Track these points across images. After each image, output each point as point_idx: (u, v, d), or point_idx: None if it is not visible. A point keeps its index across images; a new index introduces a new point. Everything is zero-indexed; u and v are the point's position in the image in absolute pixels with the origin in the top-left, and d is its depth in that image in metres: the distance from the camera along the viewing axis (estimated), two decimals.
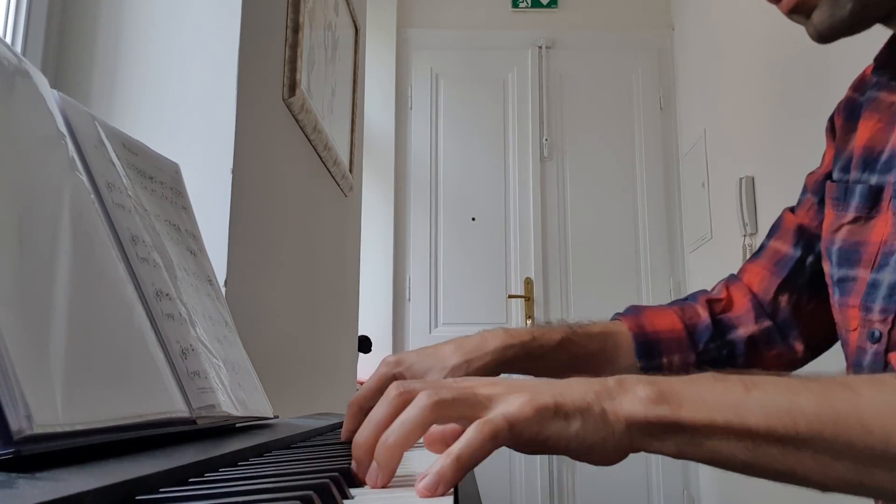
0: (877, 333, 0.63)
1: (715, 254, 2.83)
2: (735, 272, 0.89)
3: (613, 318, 0.85)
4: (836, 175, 0.72)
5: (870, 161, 0.67)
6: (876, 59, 0.66)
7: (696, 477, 3.07)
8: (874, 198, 0.65)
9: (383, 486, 0.43)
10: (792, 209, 0.84)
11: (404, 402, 0.44)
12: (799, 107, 2.06)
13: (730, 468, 0.45)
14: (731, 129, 2.67)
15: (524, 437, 0.43)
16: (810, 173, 0.83)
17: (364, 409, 0.64)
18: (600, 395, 0.45)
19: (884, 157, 0.66)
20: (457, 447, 0.41)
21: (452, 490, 0.43)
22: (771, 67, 2.24)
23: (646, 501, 3.06)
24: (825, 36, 0.62)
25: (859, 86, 0.74)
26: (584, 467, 3.08)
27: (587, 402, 0.44)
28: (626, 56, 3.45)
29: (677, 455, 0.45)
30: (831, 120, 0.77)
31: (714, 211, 2.83)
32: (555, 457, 3.06)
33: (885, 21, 0.63)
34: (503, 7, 3.49)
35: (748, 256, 2.39)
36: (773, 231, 0.85)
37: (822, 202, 0.77)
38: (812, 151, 1.86)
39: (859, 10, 0.59)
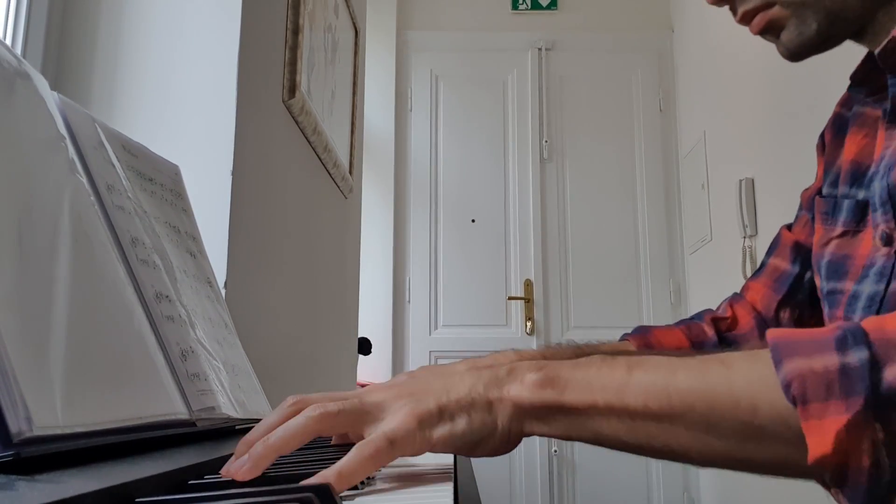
0: None
1: (715, 255, 2.83)
2: (736, 289, 0.90)
3: (622, 339, 0.86)
4: (825, 190, 0.73)
5: (857, 176, 0.68)
6: (852, 77, 0.67)
7: (696, 478, 3.06)
8: (861, 212, 0.66)
9: (242, 479, 0.43)
10: (789, 226, 0.85)
11: (295, 411, 0.48)
12: (799, 108, 2.06)
13: (614, 447, 0.47)
14: (730, 131, 2.67)
15: (409, 448, 0.45)
16: (805, 190, 0.84)
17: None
18: (488, 385, 0.47)
19: (870, 171, 0.67)
20: (340, 464, 0.43)
21: (453, 491, 0.43)
22: (770, 69, 2.24)
23: (646, 503, 3.06)
24: (795, 54, 0.64)
25: (846, 101, 0.75)
26: (584, 468, 3.08)
27: (472, 398, 0.46)
28: (626, 58, 3.45)
29: (565, 437, 0.47)
30: (821, 137, 0.78)
31: (714, 213, 2.83)
32: (555, 458, 3.07)
33: (856, 38, 0.65)
34: (503, 9, 3.50)
35: (748, 258, 2.40)
36: (772, 248, 0.86)
37: (815, 218, 0.78)
38: (812, 154, 1.86)
39: (825, 28, 0.61)
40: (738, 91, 2.55)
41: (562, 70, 3.44)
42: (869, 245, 0.64)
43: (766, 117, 2.35)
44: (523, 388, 0.46)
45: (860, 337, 0.39)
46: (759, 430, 0.41)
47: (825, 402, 0.38)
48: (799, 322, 0.81)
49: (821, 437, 0.38)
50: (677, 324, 0.87)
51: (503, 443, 0.47)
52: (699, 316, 0.88)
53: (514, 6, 3.48)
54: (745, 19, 0.66)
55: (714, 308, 0.89)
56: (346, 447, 0.49)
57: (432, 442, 0.46)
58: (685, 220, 3.26)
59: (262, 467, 0.44)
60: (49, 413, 0.39)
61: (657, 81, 3.42)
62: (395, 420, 0.46)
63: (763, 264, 0.86)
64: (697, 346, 0.83)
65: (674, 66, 3.42)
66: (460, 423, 0.46)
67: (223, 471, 0.44)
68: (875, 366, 0.38)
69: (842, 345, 0.39)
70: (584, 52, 3.46)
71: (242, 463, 0.44)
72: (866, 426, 0.38)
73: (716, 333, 0.83)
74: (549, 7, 3.49)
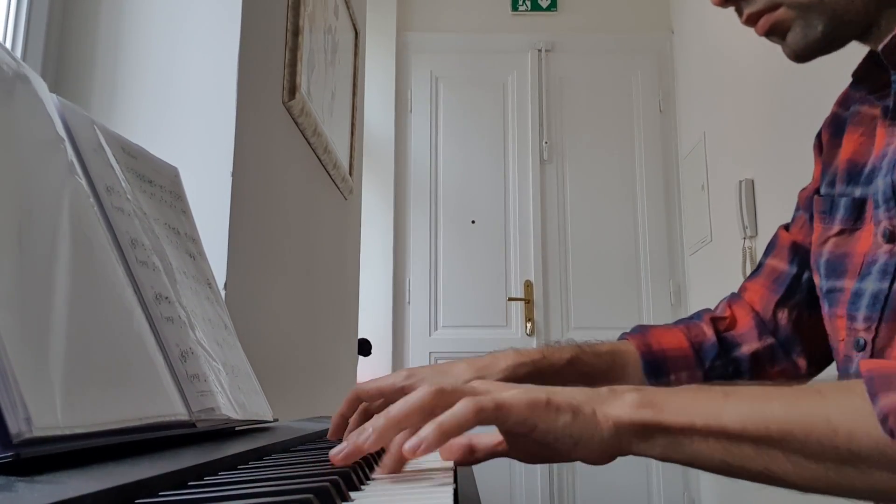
0: (861, 342, 0.63)
1: (715, 256, 2.83)
2: (736, 290, 0.90)
3: (620, 338, 0.87)
4: (823, 189, 0.73)
5: (854, 174, 0.68)
6: (854, 74, 0.67)
7: (696, 480, 3.06)
8: (858, 210, 0.67)
9: (367, 451, 0.47)
10: (787, 226, 0.86)
11: (411, 387, 0.52)
12: (798, 109, 2.06)
13: (711, 469, 0.48)
14: (730, 132, 2.67)
15: (511, 419, 0.47)
16: (802, 190, 0.85)
17: (360, 401, 0.69)
18: (592, 398, 0.49)
19: (867, 169, 0.67)
20: (441, 417, 0.46)
21: (453, 491, 0.43)
22: (770, 70, 2.24)
23: (646, 503, 3.06)
24: (801, 56, 0.65)
25: (844, 101, 0.75)
26: (584, 469, 3.07)
27: (578, 402, 0.49)
28: (626, 59, 3.45)
29: (662, 457, 0.49)
30: (818, 136, 0.79)
31: (714, 213, 2.83)
32: None
33: (861, 38, 0.65)
34: (503, 10, 3.50)
35: (748, 259, 2.40)
36: (770, 249, 0.86)
37: (812, 218, 0.79)
38: (812, 153, 1.85)
39: (831, 30, 0.62)
40: (738, 92, 2.55)
41: (562, 71, 3.44)
42: (868, 242, 0.64)
43: (765, 118, 2.35)
44: (624, 407, 0.49)
45: None
46: (857, 458, 0.43)
47: None
48: (798, 322, 0.81)
49: None
50: (676, 323, 0.87)
51: (600, 452, 0.49)
52: (698, 315, 0.88)
53: (514, 7, 3.49)
54: (751, 21, 0.66)
55: (712, 308, 0.89)
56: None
57: (536, 426, 0.48)
58: (685, 221, 3.26)
59: (385, 439, 0.47)
60: (49, 414, 0.39)
61: (657, 83, 3.42)
62: (508, 394, 0.48)
63: (760, 265, 0.86)
64: (696, 346, 0.83)
65: (674, 68, 3.42)
66: (564, 418, 0.48)
67: (342, 442, 0.47)
68: None
69: None
70: (584, 53, 3.46)
71: (368, 436, 0.46)
72: None
73: (715, 333, 0.84)
74: (548, 8, 3.49)
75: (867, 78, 0.66)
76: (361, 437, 0.47)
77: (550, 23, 3.49)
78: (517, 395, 0.48)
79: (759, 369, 0.82)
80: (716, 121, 2.84)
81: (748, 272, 2.40)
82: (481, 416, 0.46)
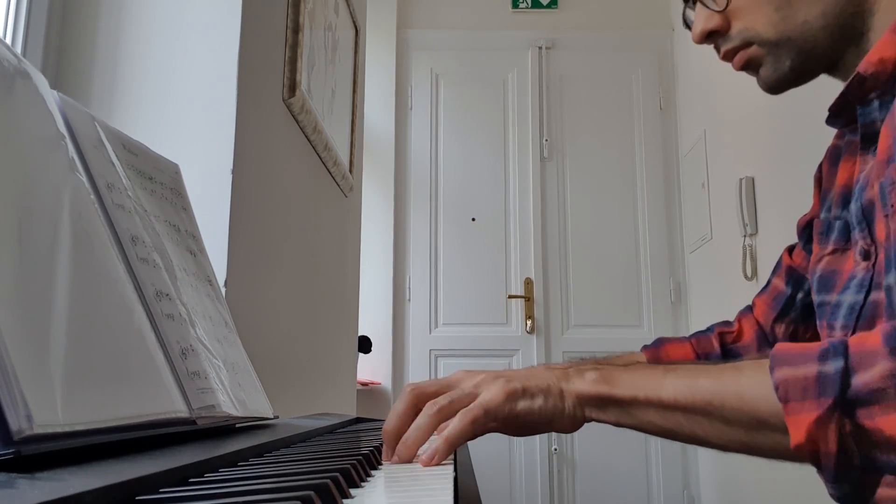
0: None
1: (715, 254, 2.83)
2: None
3: (642, 349, 0.97)
4: (822, 214, 0.80)
5: (847, 199, 0.74)
6: (830, 109, 0.71)
7: (696, 476, 3.07)
8: (849, 232, 0.72)
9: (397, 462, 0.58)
10: (790, 250, 0.93)
11: (414, 402, 0.62)
12: (799, 107, 2.06)
13: (653, 433, 0.59)
14: (731, 130, 2.67)
15: (500, 416, 0.59)
16: (801, 217, 0.91)
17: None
18: (560, 378, 0.61)
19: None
20: (446, 431, 0.57)
21: (453, 489, 0.43)
22: None
23: (646, 501, 3.06)
24: (773, 88, 0.73)
25: (842, 133, 0.80)
26: (584, 466, 3.08)
27: (548, 384, 0.60)
28: (627, 57, 3.45)
29: (615, 423, 0.60)
30: (819, 168, 0.85)
31: (714, 211, 2.83)
32: (555, 456, 3.07)
33: (829, 72, 0.72)
34: (503, 7, 3.49)
35: (748, 257, 2.40)
36: (775, 269, 0.95)
37: (805, 245, 0.88)
38: (812, 152, 1.85)
39: (798, 65, 0.70)
40: (739, 90, 2.55)
41: (562, 69, 3.44)
42: (853, 261, 0.70)
43: (766, 116, 2.35)
44: (584, 383, 0.60)
45: (840, 350, 0.49)
46: (762, 423, 0.52)
47: (802, 402, 0.49)
48: (794, 334, 0.91)
49: (797, 429, 0.48)
50: (690, 336, 0.98)
51: (570, 423, 0.61)
52: (711, 329, 0.97)
53: (515, 5, 3.48)
54: (727, 57, 0.74)
55: (731, 319, 0.98)
56: (349, 448, 0.58)
57: (517, 412, 0.59)
58: (685, 219, 3.26)
59: (409, 457, 0.58)
60: (49, 411, 0.39)
61: (657, 80, 3.42)
62: (489, 394, 0.59)
63: (768, 282, 0.96)
64: (703, 357, 0.94)
65: (674, 66, 3.42)
66: (538, 401, 0.59)
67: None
68: (847, 373, 0.48)
69: (823, 356, 0.49)
70: (585, 50, 3.46)
71: (395, 458, 0.59)
72: (832, 421, 0.47)
73: (720, 346, 0.94)
74: (549, 6, 3.49)
75: (842, 112, 0.70)
76: (393, 460, 0.59)
77: (551, 20, 3.48)
78: (497, 393, 0.59)
79: None
80: (716, 119, 2.84)
81: (748, 270, 2.41)
82: (477, 424, 0.58)
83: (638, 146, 3.37)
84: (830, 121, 0.73)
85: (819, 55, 0.70)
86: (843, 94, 0.68)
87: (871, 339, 0.48)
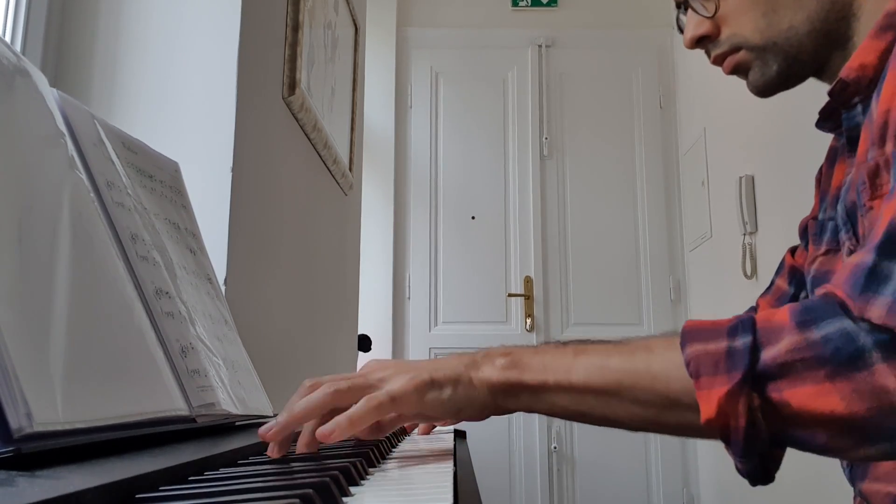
0: None
1: (715, 252, 2.83)
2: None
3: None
4: (819, 215, 0.81)
5: (838, 200, 0.73)
6: (820, 112, 0.72)
7: (695, 476, 3.07)
8: (839, 232, 0.72)
9: (270, 440, 0.56)
10: (793, 250, 0.93)
11: (312, 389, 0.59)
12: (799, 106, 2.06)
13: (565, 417, 0.58)
14: (730, 128, 2.67)
15: (407, 406, 0.57)
16: (803, 218, 0.92)
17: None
18: (469, 366, 0.59)
19: None
20: (350, 411, 0.55)
21: (452, 488, 0.43)
22: None
23: (645, 500, 3.06)
24: (762, 91, 0.74)
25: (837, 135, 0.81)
26: (583, 464, 3.08)
27: (457, 374, 0.58)
28: (627, 55, 3.44)
29: (527, 409, 0.58)
30: (820, 170, 0.85)
31: (714, 209, 2.83)
32: (554, 454, 3.07)
33: (817, 76, 0.73)
34: (503, 5, 3.49)
35: (747, 255, 2.40)
36: (779, 269, 0.95)
37: (807, 246, 0.88)
38: (811, 150, 1.85)
39: (785, 69, 0.71)
40: (738, 88, 2.53)
41: (562, 67, 3.44)
42: (842, 261, 0.70)
43: (766, 114, 2.35)
44: (493, 370, 0.58)
45: (748, 326, 0.49)
46: (673, 401, 0.51)
47: (712, 377, 0.48)
48: None
49: (708, 403, 0.48)
50: None
51: (480, 412, 0.59)
52: None
53: (515, 3, 3.48)
54: (717, 61, 0.77)
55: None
56: (358, 447, 0.59)
57: (424, 403, 0.57)
58: (685, 217, 3.26)
59: (285, 433, 0.56)
60: (49, 409, 0.39)
61: (657, 79, 3.42)
62: (397, 384, 0.57)
63: (771, 283, 0.95)
64: None
65: (674, 64, 3.42)
66: (447, 392, 0.58)
67: (264, 431, 0.56)
68: (755, 348, 0.48)
69: (732, 332, 0.49)
70: (585, 49, 3.45)
71: (269, 427, 0.55)
72: (742, 395, 0.47)
73: None
74: (549, 4, 3.48)
75: (831, 116, 0.71)
76: (262, 429, 0.56)
77: (550, 18, 3.48)
78: (406, 384, 0.57)
79: None
80: (716, 117, 2.84)
81: (748, 268, 2.41)
82: (381, 411, 0.56)
83: (638, 144, 3.36)
84: (820, 124, 0.74)
85: (805, 60, 0.71)
86: (828, 100, 0.69)
87: (778, 315, 0.49)
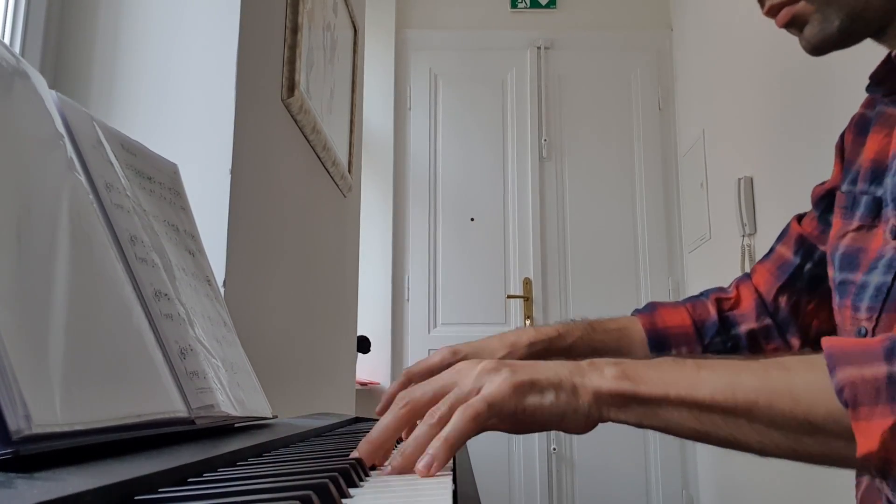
0: (863, 331, 0.66)
1: (714, 254, 2.83)
2: (746, 271, 0.96)
3: (633, 314, 0.95)
4: (845, 187, 0.76)
5: (877, 174, 0.70)
6: (871, 76, 0.68)
7: (694, 476, 3.07)
8: (878, 208, 0.69)
9: (366, 459, 0.52)
10: (800, 218, 0.89)
11: (408, 414, 0.54)
12: (798, 107, 2.06)
13: (681, 435, 0.53)
14: (729, 130, 2.67)
15: (505, 411, 0.51)
16: (817, 185, 0.87)
17: (411, 382, 0.75)
18: (573, 372, 0.53)
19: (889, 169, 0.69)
20: (445, 431, 0.50)
21: (451, 489, 0.43)
22: (770, 68, 2.24)
23: (645, 500, 3.06)
24: (818, 48, 0.67)
25: (870, 102, 0.77)
26: (583, 466, 3.08)
27: (560, 378, 0.52)
28: (625, 56, 3.45)
29: (637, 424, 0.53)
30: (842, 137, 0.81)
31: (713, 211, 2.83)
32: (554, 456, 3.07)
33: (876, 37, 0.67)
34: (502, 7, 3.49)
35: (746, 257, 2.40)
36: (781, 236, 0.91)
37: (821, 215, 0.84)
38: (811, 152, 1.85)
39: (847, 26, 0.64)
40: (737, 90, 2.55)
41: (561, 69, 3.44)
42: (881, 239, 0.66)
43: (764, 116, 2.35)
44: (603, 379, 0.52)
45: None
46: (815, 427, 0.47)
47: (873, 407, 0.44)
48: (796, 306, 0.87)
49: (868, 436, 0.44)
50: (684, 301, 0.94)
51: (584, 423, 0.53)
52: (706, 294, 0.94)
53: (514, 5, 3.48)
54: (772, 12, 0.69)
55: (726, 286, 0.95)
56: (348, 447, 0.54)
57: (524, 408, 0.51)
58: (684, 219, 3.26)
59: (378, 452, 0.53)
60: (48, 411, 0.39)
61: (656, 80, 3.42)
62: (493, 386, 0.51)
63: (771, 249, 0.92)
64: (699, 323, 0.90)
65: (673, 65, 3.42)
66: (549, 397, 0.52)
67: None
68: None
69: (890, 355, 0.44)
70: (584, 50, 3.46)
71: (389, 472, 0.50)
72: None
73: (717, 312, 0.91)
74: (548, 6, 3.49)
75: (885, 80, 0.67)
76: (387, 470, 0.51)
77: (549, 20, 3.49)
78: (502, 385, 0.51)
79: (755, 346, 0.89)
80: (715, 118, 2.84)
81: (747, 270, 2.41)
82: (479, 421, 0.50)
83: (637, 146, 3.37)
84: (871, 89, 0.70)
85: (870, 17, 0.64)
86: (887, 61, 0.64)
87: None
